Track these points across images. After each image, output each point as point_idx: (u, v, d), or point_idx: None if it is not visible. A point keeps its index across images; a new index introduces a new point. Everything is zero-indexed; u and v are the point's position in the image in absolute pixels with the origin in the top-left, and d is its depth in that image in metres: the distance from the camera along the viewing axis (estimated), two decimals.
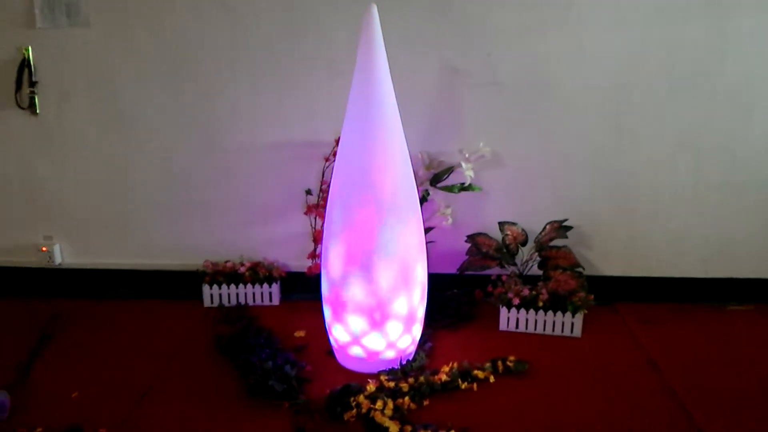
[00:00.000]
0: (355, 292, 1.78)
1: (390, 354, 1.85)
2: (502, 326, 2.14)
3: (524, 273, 2.27)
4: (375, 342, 1.82)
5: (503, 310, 2.13)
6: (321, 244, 2.01)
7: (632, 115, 2.23)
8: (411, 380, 1.77)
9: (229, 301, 2.32)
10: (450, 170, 2.22)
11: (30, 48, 2.23)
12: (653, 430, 1.63)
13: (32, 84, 2.26)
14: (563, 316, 2.09)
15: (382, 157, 1.73)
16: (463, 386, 1.79)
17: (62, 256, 2.45)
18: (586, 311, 2.07)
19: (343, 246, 1.79)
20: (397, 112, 1.76)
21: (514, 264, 2.26)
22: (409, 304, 1.80)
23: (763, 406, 1.73)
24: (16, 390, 1.77)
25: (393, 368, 1.85)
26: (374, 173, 1.72)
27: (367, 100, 1.71)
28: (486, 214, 2.32)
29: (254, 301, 2.33)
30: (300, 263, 2.36)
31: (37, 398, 1.77)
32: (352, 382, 1.75)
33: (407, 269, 1.78)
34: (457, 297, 2.29)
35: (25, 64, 2.24)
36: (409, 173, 1.80)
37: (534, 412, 1.71)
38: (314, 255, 2.32)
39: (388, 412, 1.64)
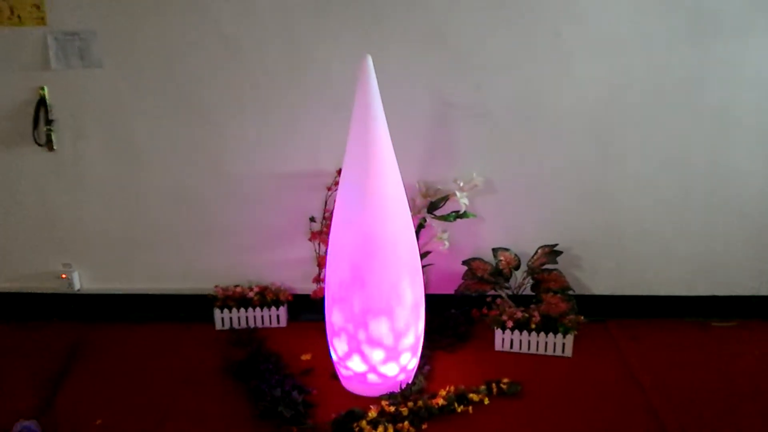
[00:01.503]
0: (338, 318, 1.94)
1: (373, 377, 1.97)
2: (497, 347, 2.27)
3: (518, 294, 2.39)
4: (357, 365, 1.97)
5: (498, 332, 2.25)
6: (325, 268, 2.14)
7: (618, 139, 2.34)
8: (411, 404, 1.90)
9: (239, 324, 2.45)
10: (446, 198, 2.33)
11: (46, 88, 2.35)
12: None
13: (48, 122, 2.38)
14: (555, 337, 2.21)
15: (375, 194, 1.85)
16: (459, 409, 1.91)
17: (81, 282, 2.58)
18: (575, 332, 2.19)
19: (333, 273, 1.94)
20: (392, 151, 1.88)
21: (508, 287, 2.38)
22: (394, 333, 1.91)
23: (741, 424, 1.86)
24: (44, 418, 1.91)
25: (393, 393, 1.98)
26: (364, 208, 1.85)
27: (364, 145, 1.83)
28: (481, 238, 2.44)
29: (263, 323, 2.46)
30: (306, 286, 2.49)
31: (63, 426, 1.90)
32: (355, 407, 1.88)
33: (392, 298, 1.89)
34: (455, 317, 2.41)
35: (41, 103, 2.36)
36: (401, 205, 1.92)
37: None
38: (319, 279, 2.45)
39: None
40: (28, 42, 2.30)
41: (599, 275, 2.48)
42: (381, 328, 1.90)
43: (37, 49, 2.31)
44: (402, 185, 1.92)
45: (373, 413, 1.85)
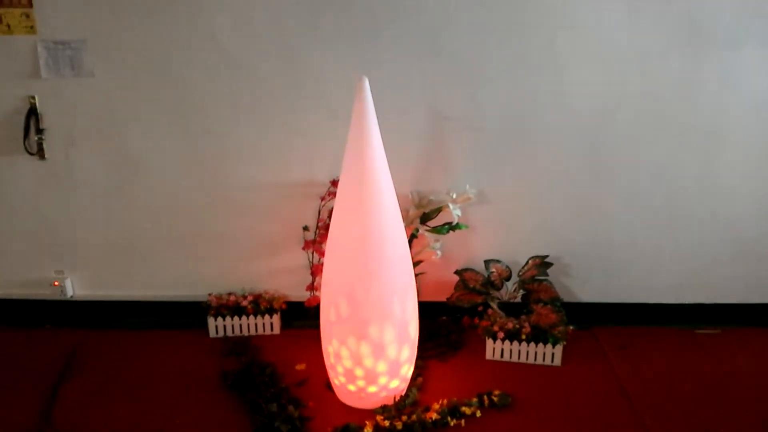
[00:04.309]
0: (331, 327, 1.98)
1: (351, 388, 2.01)
2: (488, 356, 2.31)
3: (509, 302, 2.43)
4: (349, 377, 2.00)
5: (489, 341, 2.29)
6: (319, 277, 2.16)
7: (609, 151, 2.37)
8: (405, 418, 1.94)
9: (233, 332, 2.48)
10: (439, 210, 2.35)
11: (36, 97, 2.33)
12: None
13: (39, 131, 2.36)
14: (544, 346, 2.25)
15: (369, 212, 1.87)
16: (452, 423, 1.96)
17: (73, 288, 2.59)
18: (565, 343, 2.24)
19: (329, 284, 1.98)
20: (388, 171, 1.89)
21: (499, 298, 2.42)
22: (386, 345, 1.93)
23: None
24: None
25: (387, 406, 2.01)
26: (358, 223, 1.87)
27: (360, 164, 1.84)
28: (473, 248, 2.47)
29: (257, 330, 2.49)
30: (300, 293, 2.51)
31: None
32: (350, 423, 1.92)
33: (384, 311, 1.91)
34: (447, 325, 2.45)
35: (32, 112, 2.34)
36: (396, 220, 1.93)
37: None
38: (312, 287, 2.47)
39: None
40: (18, 51, 2.27)
41: (588, 283, 2.53)
42: (374, 339, 1.92)
43: (27, 58, 2.28)
44: (396, 202, 1.94)
45: (368, 428, 1.89)
